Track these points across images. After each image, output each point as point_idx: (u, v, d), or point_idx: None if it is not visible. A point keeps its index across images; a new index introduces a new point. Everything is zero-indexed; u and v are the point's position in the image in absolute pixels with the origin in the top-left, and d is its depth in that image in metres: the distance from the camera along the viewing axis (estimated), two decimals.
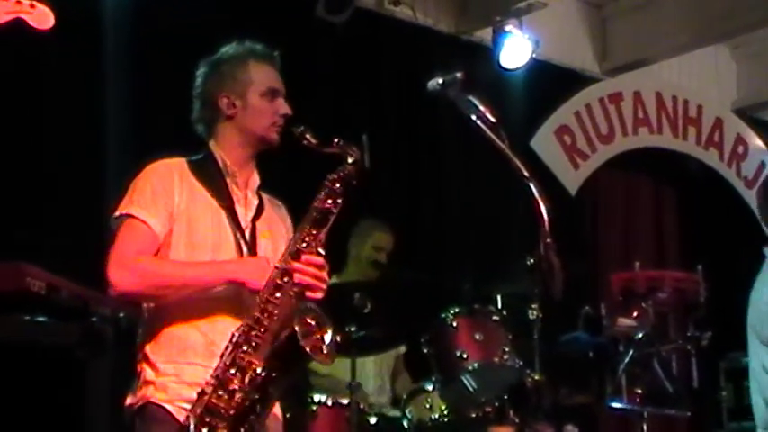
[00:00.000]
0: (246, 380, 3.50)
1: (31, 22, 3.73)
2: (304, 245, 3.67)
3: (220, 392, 3.48)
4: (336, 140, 3.78)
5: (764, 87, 10.28)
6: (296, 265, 3.61)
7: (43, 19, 3.77)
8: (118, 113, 6.43)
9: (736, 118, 10.20)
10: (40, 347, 2.23)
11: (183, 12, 6.26)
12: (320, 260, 3.66)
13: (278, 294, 3.59)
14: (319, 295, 3.65)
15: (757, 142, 10.18)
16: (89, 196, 5.73)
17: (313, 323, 3.56)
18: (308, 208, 3.73)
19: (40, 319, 3.33)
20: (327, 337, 3.57)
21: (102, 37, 6.29)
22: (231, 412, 3.48)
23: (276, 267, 3.62)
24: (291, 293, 3.60)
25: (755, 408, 5.08)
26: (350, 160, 3.76)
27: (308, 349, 3.51)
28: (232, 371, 3.49)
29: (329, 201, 3.73)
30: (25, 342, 2.26)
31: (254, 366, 3.51)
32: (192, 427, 3.45)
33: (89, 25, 6.16)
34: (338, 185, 3.75)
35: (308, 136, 3.78)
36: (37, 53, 5.57)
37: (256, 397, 3.52)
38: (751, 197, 9.92)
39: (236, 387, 3.49)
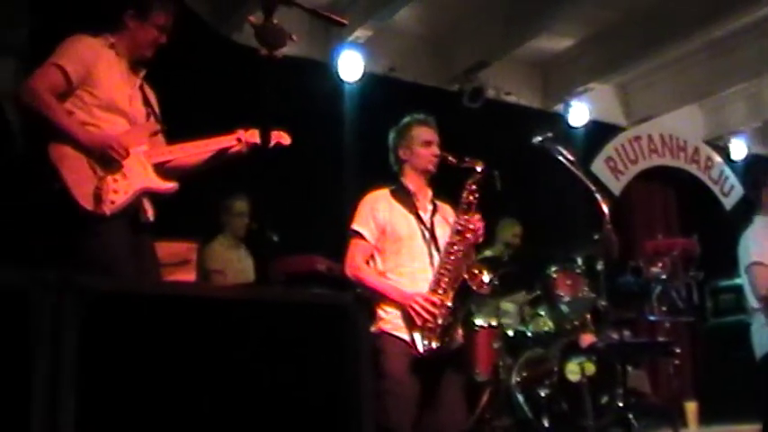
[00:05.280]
0: (443, 310, 3.37)
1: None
2: (463, 221, 3.55)
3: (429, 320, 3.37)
4: (466, 158, 3.63)
5: (718, 128, 9.64)
6: (469, 226, 3.52)
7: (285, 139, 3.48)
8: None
9: (706, 146, 9.57)
10: (325, 308, 2.14)
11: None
12: (479, 224, 3.55)
13: (456, 247, 3.50)
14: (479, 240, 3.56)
15: (718, 159, 9.55)
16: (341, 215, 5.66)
17: (476, 270, 3.45)
18: (459, 200, 3.61)
19: (324, 290, 3.27)
20: (486, 277, 3.45)
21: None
22: (438, 330, 3.36)
23: (451, 229, 3.54)
24: (463, 248, 3.48)
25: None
26: (478, 169, 3.60)
27: (474, 288, 3.40)
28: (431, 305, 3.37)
29: (471, 197, 3.58)
30: (316, 304, 2.16)
31: (446, 302, 3.39)
32: (417, 338, 3.36)
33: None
34: (473, 186, 3.60)
35: (449, 158, 3.64)
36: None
37: (450, 320, 3.39)
38: (716, 190, 9.49)
39: (438, 314, 3.37)
